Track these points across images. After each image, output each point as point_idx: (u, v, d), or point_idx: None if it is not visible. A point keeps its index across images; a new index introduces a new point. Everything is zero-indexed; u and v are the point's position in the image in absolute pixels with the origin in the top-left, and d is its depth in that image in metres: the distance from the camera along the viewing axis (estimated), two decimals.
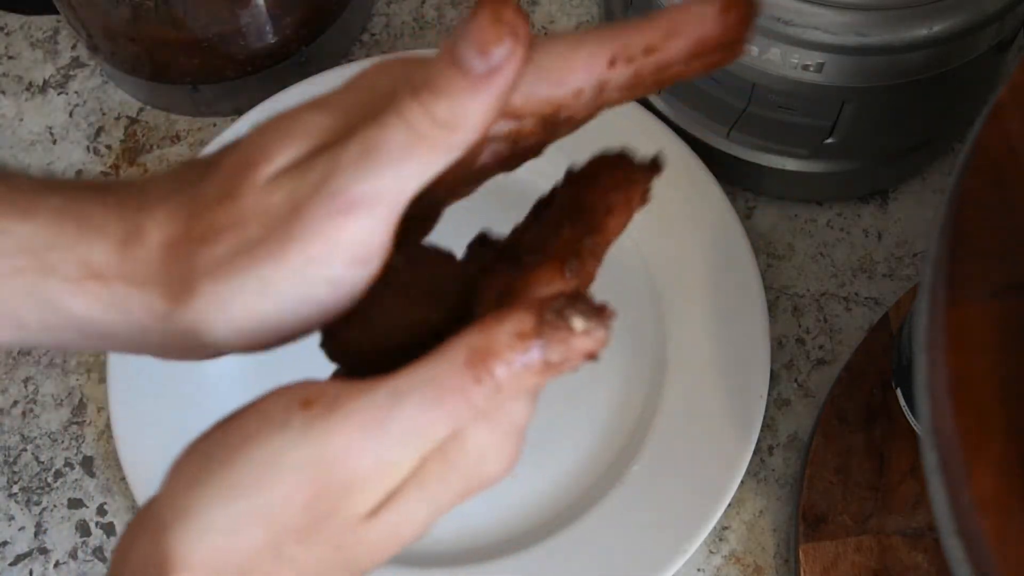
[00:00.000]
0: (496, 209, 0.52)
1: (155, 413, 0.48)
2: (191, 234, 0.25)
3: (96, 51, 0.55)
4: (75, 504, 0.50)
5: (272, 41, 0.54)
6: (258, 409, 0.25)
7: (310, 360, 0.52)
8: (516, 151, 0.29)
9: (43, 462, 0.51)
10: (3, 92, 0.58)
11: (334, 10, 0.56)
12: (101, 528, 0.50)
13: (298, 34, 0.54)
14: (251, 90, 0.55)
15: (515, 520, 0.48)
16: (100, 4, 0.50)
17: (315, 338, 0.52)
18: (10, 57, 0.59)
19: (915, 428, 0.45)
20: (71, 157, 0.57)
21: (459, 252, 0.31)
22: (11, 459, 0.51)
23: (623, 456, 0.48)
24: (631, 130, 0.52)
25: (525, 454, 0.50)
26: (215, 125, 0.57)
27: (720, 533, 0.48)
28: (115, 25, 0.51)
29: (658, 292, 0.50)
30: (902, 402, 0.45)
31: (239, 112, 0.54)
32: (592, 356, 0.24)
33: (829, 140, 0.48)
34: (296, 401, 0.25)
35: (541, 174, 0.52)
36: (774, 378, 0.50)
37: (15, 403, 0.52)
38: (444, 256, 0.29)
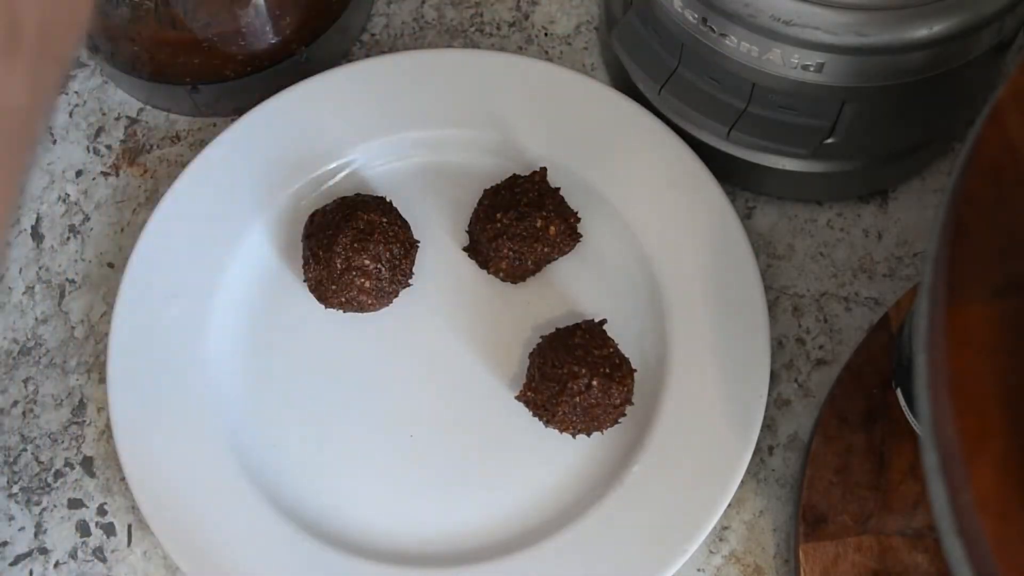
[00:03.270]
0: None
1: (155, 413, 0.48)
2: None
3: (96, 51, 0.55)
4: (75, 504, 0.50)
5: (272, 41, 0.54)
6: None
7: (309, 367, 0.52)
8: None
9: (43, 462, 0.51)
10: None
11: (334, 10, 0.56)
12: (101, 528, 0.50)
13: (298, 34, 0.54)
14: (251, 90, 0.55)
15: (515, 521, 0.48)
16: (100, 4, 0.50)
17: (312, 347, 0.52)
18: None
19: (915, 428, 0.45)
20: (71, 157, 0.57)
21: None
22: (11, 459, 0.51)
23: (623, 456, 0.48)
24: (630, 129, 0.52)
25: (525, 454, 0.50)
26: (215, 125, 0.57)
27: (720, 533, 0.48)
28: (115, 25, 0.51)
29: (658, 292, 0.50)
30: (902, 402, 0.45)
31: (239, 112, 0.54)
32: None
33: (829, 140, 0.48)
34: None
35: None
36: (774, 378, 0.50)
37: (15, 403, 0.52)
38: None
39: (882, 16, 0.42)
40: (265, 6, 0.52)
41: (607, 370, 0.46)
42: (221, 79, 0.55)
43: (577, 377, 0.46)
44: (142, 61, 0.54)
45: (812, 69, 0.44)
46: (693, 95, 0.49)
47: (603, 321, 0.49)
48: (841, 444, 0.47)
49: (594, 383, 0.46)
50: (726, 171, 0.51)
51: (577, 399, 0.46)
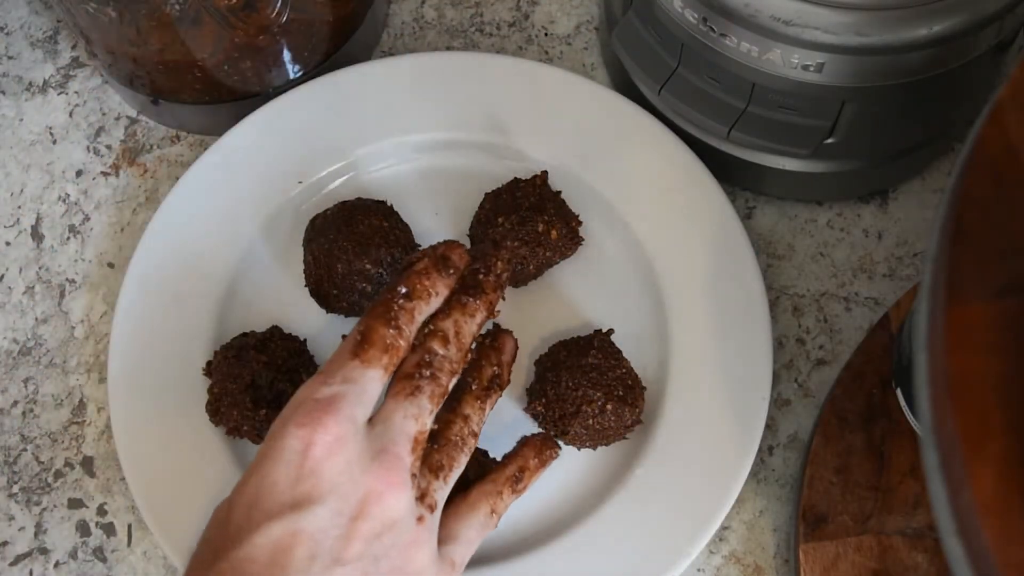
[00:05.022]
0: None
1: (155, 413, 0.48)
2: None
3: (95, 58, 0.55)
4: (75, 504, 0.50)
5: (290, 78, 0.54)
6: None
7: (310, 371, 0.51)
8: None
9: (43, 462, 0.51)
10: (3, 92, 0.58)
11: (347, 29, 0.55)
12: (101, 528, 0.50)
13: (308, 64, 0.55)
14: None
15: (518, 523, 0.47)
16: (104, 21, 0.49)
17: (313, 351, 0.51)
18: (10, 57, 0.59)
19: (915, 428, 0.45)
20: (71, 157, 0.57)
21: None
22: (11, 459, 0.51)
23: (626, 458, 0.48)
24: (630, 131, 0.52)
25: None
26: None
27: (720, 533, 0.48)
28: (115, 43, 0.51)
29: (659, 292, 0.50)
30: (902, 402, 0.45)
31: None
32: None
33: (829, 140, 0.48)
34: None
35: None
36: (774, 378, 0.50)
37: (15, 403, 0.52)
38: None
39: (882, 16, 0.42)
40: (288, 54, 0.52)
41: (621, 392, 0.46)
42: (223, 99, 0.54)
43: (592, 401, 0.46)
44: (142, 79, 0.53)
45: (812, 69, 0.44)
46: (693, 95, 0.49)
47: (611, 332, 0.49)
48: (841, 444, 0.47)
49: (608, 407, 0.46)
50: (726, 171, 0.51)
51: (591, 421, 0.46)
